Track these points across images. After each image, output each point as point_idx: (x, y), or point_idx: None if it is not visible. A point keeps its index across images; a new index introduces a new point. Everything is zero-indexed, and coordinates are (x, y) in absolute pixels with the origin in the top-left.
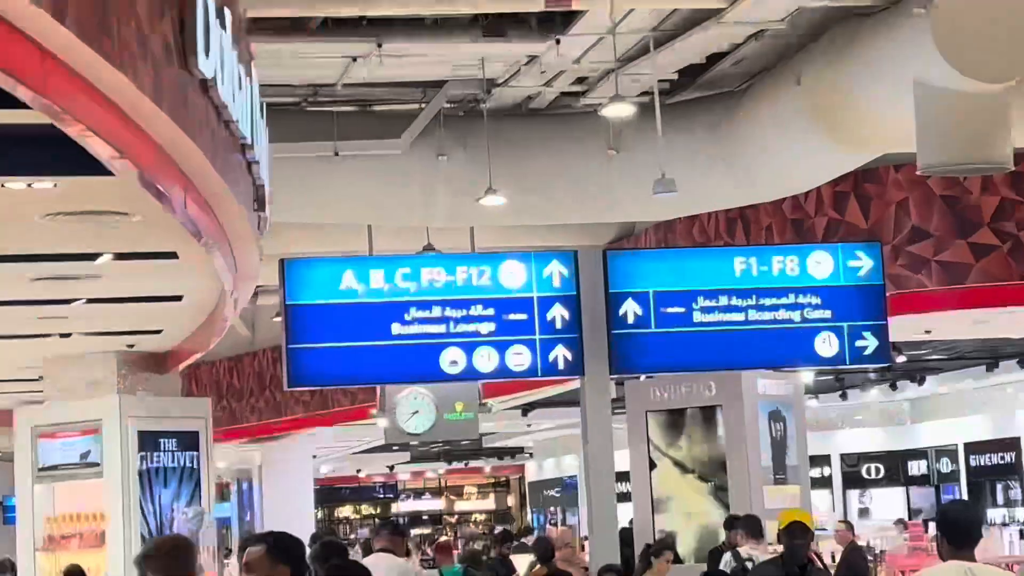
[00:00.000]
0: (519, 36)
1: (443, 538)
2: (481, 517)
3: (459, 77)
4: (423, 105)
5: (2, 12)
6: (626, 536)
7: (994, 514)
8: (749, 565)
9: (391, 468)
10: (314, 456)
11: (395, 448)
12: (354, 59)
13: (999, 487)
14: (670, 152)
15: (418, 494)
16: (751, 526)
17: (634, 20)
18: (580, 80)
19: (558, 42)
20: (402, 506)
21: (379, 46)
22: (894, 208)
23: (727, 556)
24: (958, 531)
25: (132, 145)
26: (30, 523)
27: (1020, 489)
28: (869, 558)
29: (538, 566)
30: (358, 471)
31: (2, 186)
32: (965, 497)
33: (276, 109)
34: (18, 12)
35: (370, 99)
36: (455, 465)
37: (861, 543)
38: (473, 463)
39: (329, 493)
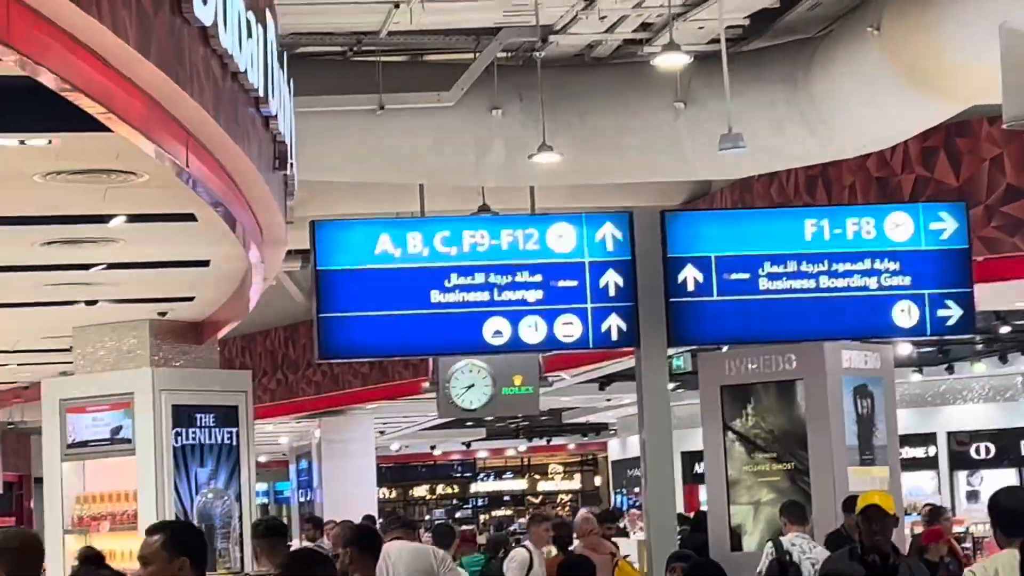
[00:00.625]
0: None
1: (465, 527)
2: (566, 498)
3: (512, 24)
4: (476, 55)
5: None
6: (702, 520)
7: None
8: (794, 554)
9: (467, 445)
10: (381, 433)
11: (469, 424)
12: (396, 4)
13: None
14: (741, 105)
15: (499, 473)
16: (793, 512)
17: None
18: (644, 26)
19: None
20: (481, 486)
21: None
22: (987, 165)
23: (767, 546)
24: (1011, 519)
25: (119, 99)
26: (59, 503)
27: None
28: (967, 545)
29: (554, 553)
30: (432, 448)
31: None
32: None
33: (318, 60)
34: None
35: (419, 48)
36: (536, 442)
37: (961, 528)
38: (556, 440)
39: (402, 471)
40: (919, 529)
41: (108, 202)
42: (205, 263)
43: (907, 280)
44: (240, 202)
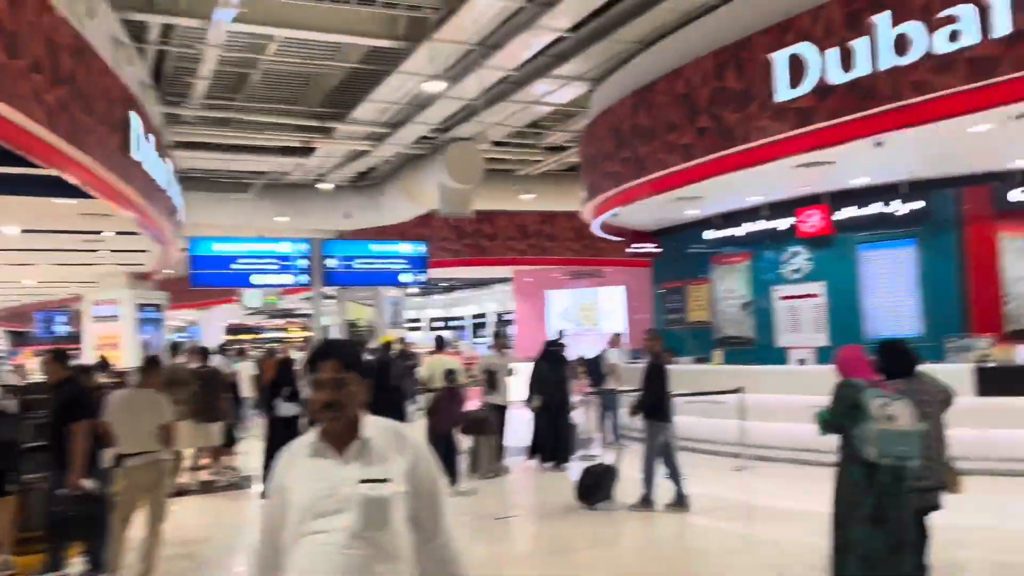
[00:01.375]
0: (298, 155)
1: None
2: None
3: (280, 170)
4: (256, 182)
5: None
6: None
7: None
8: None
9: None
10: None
11: (252, 311)
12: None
13: None
14: (357, 202)
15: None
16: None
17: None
18: (320, 176)
19: (309, 156)
20: (268, 333)
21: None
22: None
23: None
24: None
25: (102, 188)
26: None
27: None
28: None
29: None
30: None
31: (51, 201)
32: None
33: (197, 178)
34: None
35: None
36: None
37: None
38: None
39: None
40: None
41: (107, 225)
42: (147, 251)
43: (408, 265)
44: (159, 230)
